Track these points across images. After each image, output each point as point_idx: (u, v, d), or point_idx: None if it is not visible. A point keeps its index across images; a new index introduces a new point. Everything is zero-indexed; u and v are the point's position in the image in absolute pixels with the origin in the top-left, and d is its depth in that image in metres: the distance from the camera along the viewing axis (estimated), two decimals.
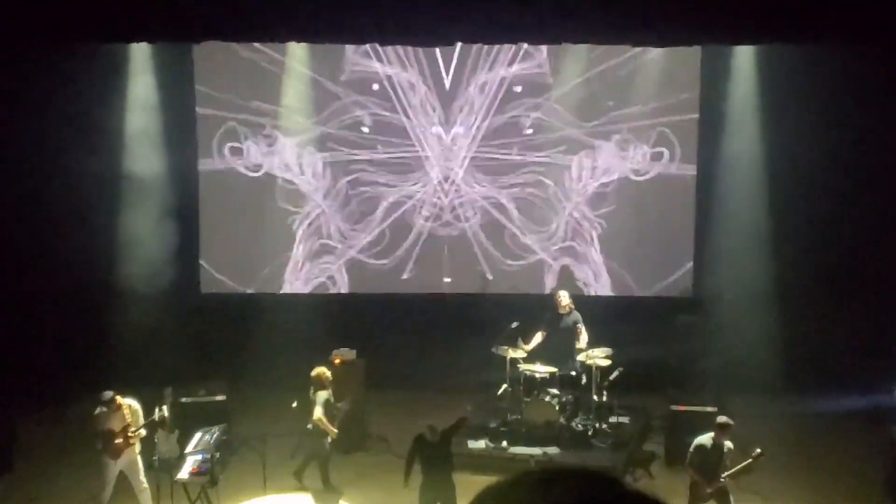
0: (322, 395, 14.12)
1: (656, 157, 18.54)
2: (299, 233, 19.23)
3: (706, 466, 12.31)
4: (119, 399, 13.14)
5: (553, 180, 18.80)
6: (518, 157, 18.84)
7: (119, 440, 13.04)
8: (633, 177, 18.63)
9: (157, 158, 18.48)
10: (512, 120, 18.77)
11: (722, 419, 12.45)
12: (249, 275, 19.30)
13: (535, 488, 3.38)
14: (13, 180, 17.94)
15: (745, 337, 17.61)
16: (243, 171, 19.05)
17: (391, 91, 18.82)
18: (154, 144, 18.47)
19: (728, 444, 12.33)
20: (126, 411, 13.14)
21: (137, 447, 13.29)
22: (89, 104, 17.94)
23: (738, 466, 12.23)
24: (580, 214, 18.85)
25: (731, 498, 12.43)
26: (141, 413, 13.27)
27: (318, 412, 13.93)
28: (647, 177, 18.61)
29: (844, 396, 17.57)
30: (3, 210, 17.97)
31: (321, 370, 14.43)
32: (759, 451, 12.17)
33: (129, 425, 13.07)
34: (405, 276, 19.23)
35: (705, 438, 12.41)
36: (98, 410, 13.08)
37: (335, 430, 14.12)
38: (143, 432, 13.26)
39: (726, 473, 12.23)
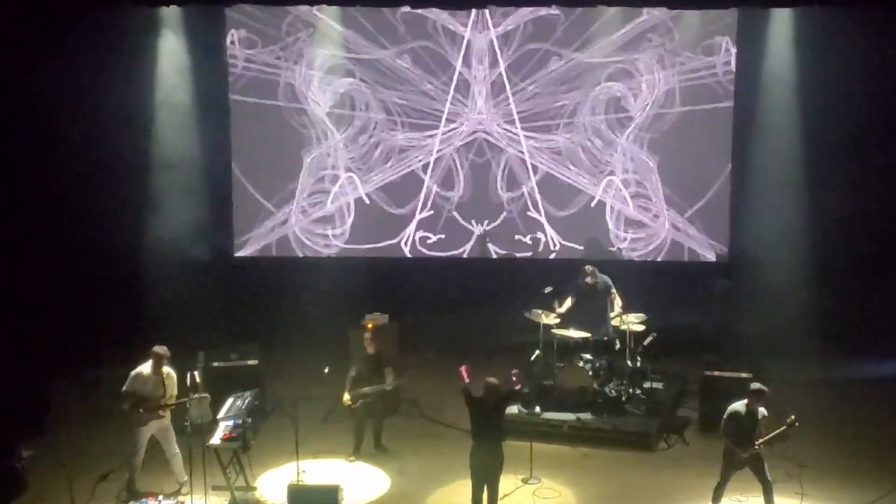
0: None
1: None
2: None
3: (740, 433, 12.20)
4: (164, 366, 13.11)
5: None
6: (552, 122, 18.76)
7: (149, 409, 13.01)
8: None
9: (188, 126, 18.49)
10: (548, 79, 18.71)
11: (755, 386, 12.31)
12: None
13: None
14: (46, 144, 17.96)
15: (780, 302, 17.49)
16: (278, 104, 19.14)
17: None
18: (185, 113, 18.47)
19: (762, 410, 12.20)
20: (165, 379, 13.11)
21: (170, 414, 13.27)
22: (120, 67, 17.94)
23: (773, 434, 12.11)
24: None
25: (766, 465, 12.32)
26: (175, 384, 13.23)
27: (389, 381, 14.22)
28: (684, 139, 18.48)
29: (881, 362, 17.44)
30: (35, 174, 17.98)
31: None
32: (793, 417, 12.02)
33: (162, 395, 13.03)
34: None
35: (739, 405, 12.28)
36: (138, 371, 13.07)
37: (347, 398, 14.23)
38: (170, 408, 13.20)
39: (760, 440, 12.11)
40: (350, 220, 19.38)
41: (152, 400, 13.00)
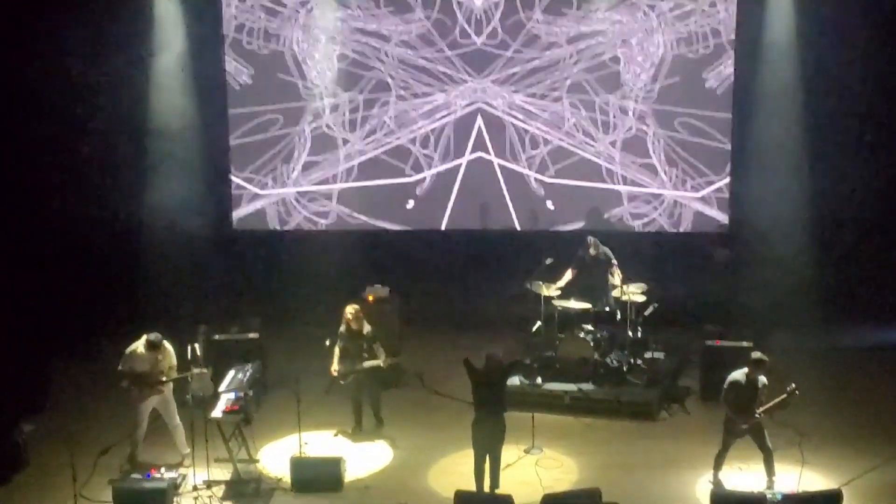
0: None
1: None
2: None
3: (740, 402, 12.21)
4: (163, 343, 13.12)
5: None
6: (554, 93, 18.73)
7: (147, 384, 13.01)
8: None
9: (184, 97, 18.48)
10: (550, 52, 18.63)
11: (756, 355, 12.32)
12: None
13: None
14: (45, 110, 17.92)
15: (782, 272, 17.46)
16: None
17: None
18: (181, 84, 18.47)
19: (763, 379, 12.21)
20: (160, 355, 13.12)
21: (171, 386, 13.28)
22: (114, 26, 17.92)
23: (773, 402, 12.13)
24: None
25: (766, 433, 12.34)
26: (174, 356, 13.23)
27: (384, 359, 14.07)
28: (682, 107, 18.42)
29: (882, 330, 17.44)
30: (30, 148, 17.94)
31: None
32: (793, 386, 12.05)
33: (160, 371, 13.03)
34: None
35: (739, 374, 12.30)
36: (132, 349, 13.07)
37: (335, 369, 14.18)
38: (170, 384, 13.21)
39: (761, 409, 12.13)
40: (348, 188, 19.30)
41: (149, 376, 13.00)
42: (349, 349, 14.12)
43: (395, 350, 15.12)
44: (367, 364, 14.11)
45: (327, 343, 14.20)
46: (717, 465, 12.59)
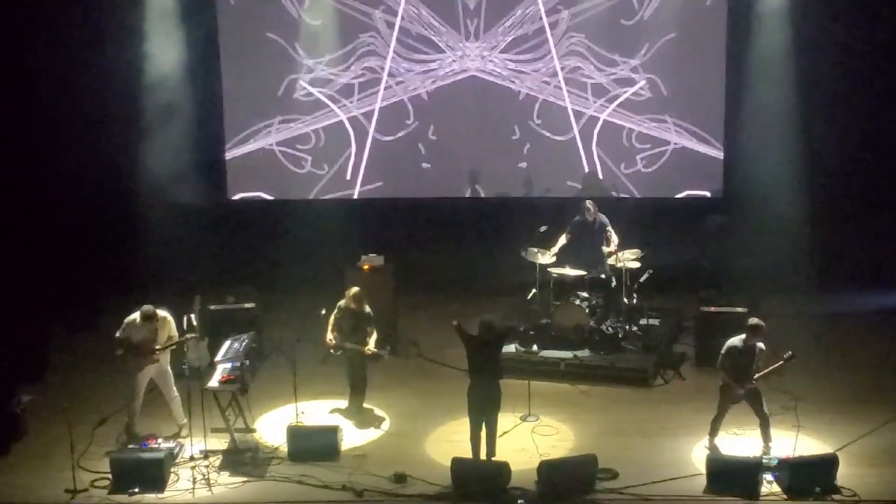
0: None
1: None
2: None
3: (737, 368, 12.25)
4: (158, 313, 13.10)
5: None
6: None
7: (142, 354, 13.02)
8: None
9: (178, 65, 18.41)
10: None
11: (753, 321, 12.34)
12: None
13: None
14: (39, 86, 17.87)
15: (776, 237, 17.48)
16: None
17: None
18: (175, 50, 18.39)
19: (760, 345, 12.24)
20: (158, 325, 13.11)
21: (167, 356, 13.29)
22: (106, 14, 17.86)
23: (770, 368, 12.16)
24: None
25: (763, 399, 12.38)
26: (174, 326, 13.23)
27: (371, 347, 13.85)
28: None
29: (876, 295, 17.48)
30: (25, 119, 17.89)
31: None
32: (790, 353, 12.07)
33: (155, 341, 13.02)
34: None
35: (736, 340, 12.32)
36: (131, 318, 13.06)
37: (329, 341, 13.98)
38: (166, 352, 13.20)
39: (758, 375, 12.16)
40: (329, 145, 19.36)
41: (146, 345, 13.00)
42: (341, 324, 13.91)
43: (392, 327, 14.94)
44: (350, 346, 13.83)
45: (322, 312, 14.16)
46: (713, 431, 12.62)
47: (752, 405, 12.43)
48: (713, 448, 12.58)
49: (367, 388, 14.17)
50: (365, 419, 13.97)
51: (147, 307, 12.98)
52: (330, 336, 13.91)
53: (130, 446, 12.80)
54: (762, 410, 12.40)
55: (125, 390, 13.33)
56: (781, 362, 12.11)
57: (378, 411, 14.24)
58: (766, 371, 12.18)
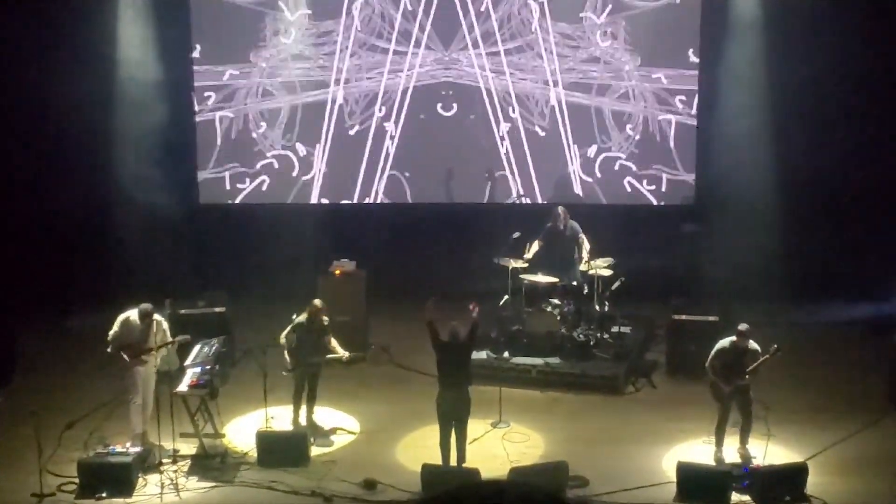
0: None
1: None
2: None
3: (726, 368, 12.51)
4: (154, 315, 13.00)
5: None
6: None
7: (133, 354, 12.88)
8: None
9: (151, 66, 18.29)
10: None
11: (742, 326, 12.61)
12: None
13: None
14: (7, 89, 17.75)
15: (748, 246, 17.52)
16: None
17: None
18: (148, 54, 18.28)
19: (753, 344, 12.47)
20: (153, 328, 12.99)
21: (154, 361, 13.12)
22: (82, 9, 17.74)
23: (757, 362, 12.35)
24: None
25: (753, 402, 12.54)
26: (168, 335, 13.13)
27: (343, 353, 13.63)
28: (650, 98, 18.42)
29: (848, 305, 17.53)
30: None
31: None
32: (775, 346, 12.38)
33: (146, 341, 12.88)
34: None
35: (726, 342, 12.65)
36: (126, 316, 12.95)
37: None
38: (156, 353, 13.06)
39: (748, 369, 12.30)
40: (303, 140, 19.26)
41: (138, 346, 12.88)
42: (303, 341, 13.48)
43: (363, 331, 14.84)
44: (329, 358, 13.60)
45: (294, 317, 14.06)
46: (719, 440, 12.71)
47: (741, 405, 12.65)
48: (719, 460, 12.65)
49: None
50: (335, 424, 13.93)
51: (145, 305, 12.92)
52: (288, 360, 13.51)
53: (98, 449, 12.57)
54: (749, 411, 12.65)
55: (124, 390, 13.10)
56: (767, 356, 12.33)
57: (348, 417, 14.17)
58: (754, 365, 12.37)
